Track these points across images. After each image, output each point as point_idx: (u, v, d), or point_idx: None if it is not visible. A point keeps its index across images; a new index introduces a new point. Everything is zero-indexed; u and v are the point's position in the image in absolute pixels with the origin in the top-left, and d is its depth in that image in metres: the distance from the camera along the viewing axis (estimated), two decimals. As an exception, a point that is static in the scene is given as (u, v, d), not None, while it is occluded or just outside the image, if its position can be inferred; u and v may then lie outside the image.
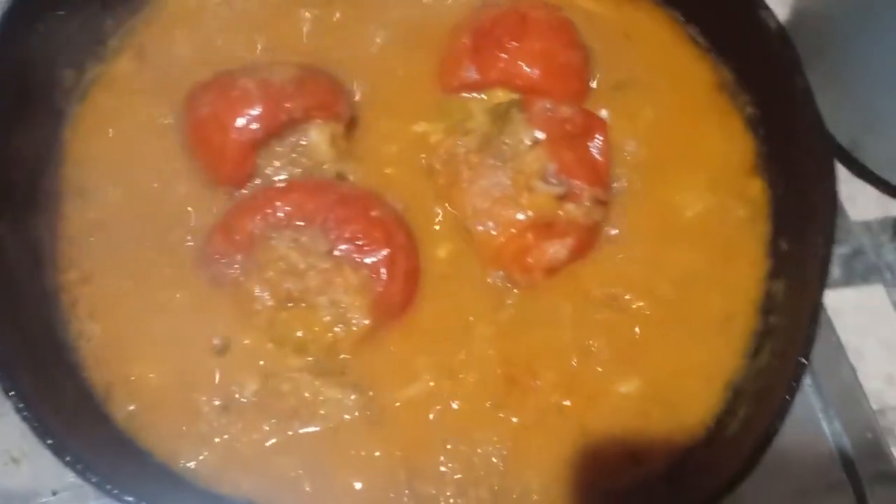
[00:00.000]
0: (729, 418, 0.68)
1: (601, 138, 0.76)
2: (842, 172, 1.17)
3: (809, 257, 0.68)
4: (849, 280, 1.09)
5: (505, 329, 0.71)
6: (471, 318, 0.72)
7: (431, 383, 0.69)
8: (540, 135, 0.74)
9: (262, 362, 0.69)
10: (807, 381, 0.83)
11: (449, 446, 0.67)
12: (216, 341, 0.70)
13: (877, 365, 1.03)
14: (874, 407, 1.00)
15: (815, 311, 0.65)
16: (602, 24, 0.86)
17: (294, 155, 0.77)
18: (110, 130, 0.79)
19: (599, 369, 0.70)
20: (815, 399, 0.83)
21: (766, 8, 0.76)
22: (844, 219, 1.14)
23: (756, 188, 0.78)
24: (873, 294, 1.06)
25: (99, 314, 0.72)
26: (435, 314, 0.72)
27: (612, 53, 0.85)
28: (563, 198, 0.73)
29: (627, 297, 0.73)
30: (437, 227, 0.76)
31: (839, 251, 1.12)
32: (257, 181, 0.76)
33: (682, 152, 0.79)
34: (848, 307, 1.04)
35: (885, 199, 1.15)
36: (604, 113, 0.81)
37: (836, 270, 1.10)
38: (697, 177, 0.78)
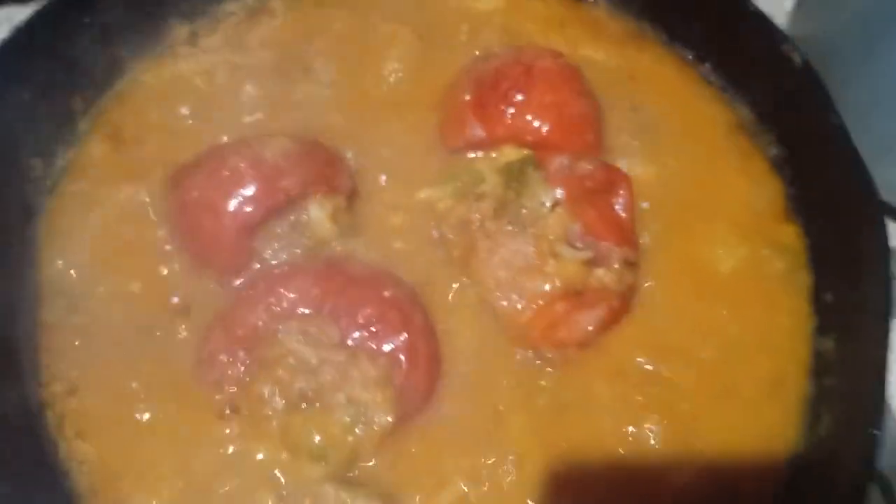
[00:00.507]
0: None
1: (625, 193, 0.71)
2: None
3: (862, 310, 0.63)
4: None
5: (541, 417, 0.65)
6: (501, 407, 0.65)
7: (465, 488, 0.62)
8: (559, 194, 0.69)
9: (277, 475, 0.62)
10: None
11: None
12: (224, 455, 0.63)
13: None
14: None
15: (880, 372, 0.59)
16: (607, 72, 0.82)
17: (294, 235, 0.71)
18: (88, 223, 0.72)
19: (650, 457, 0.63)
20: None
21: (789, 42, 0.72)
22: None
23: (790, 235, 0.73)
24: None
25: (89, 433, 0.64)
26: (461, 405, 0.66)
27: (621, 101, 0.80)
28: (591, 262, 0.67)
29: (668, 366, 0.67)
30: (456, 304, 0.70)
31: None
32: (256, 266, 0.70)
33: (707, 201, 0.75)
34: None
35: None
36: (622, 165, 0.75)
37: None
38: (726, 227, 0.73)
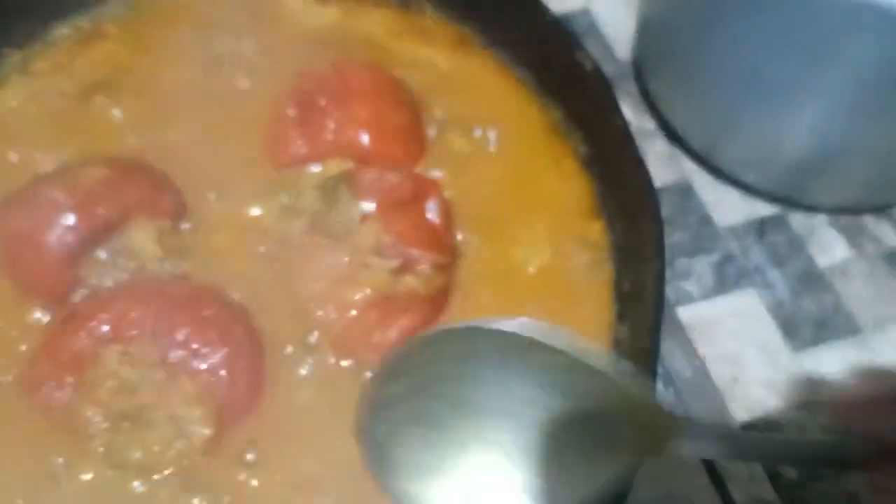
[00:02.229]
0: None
1: (435, 200, 0.75)
2: (704, 178, 1.20)
3: (645, 297, 0.68)
4: (722, 287, 1.11)
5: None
6: (324, 413, 0.69)
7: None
8: (369, 207, 0.72)
9: (104, 493, 0.65)
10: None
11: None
12: (51, 477, 0.66)
13: (756, 371, 1.05)
14: (758, 414, 1.02)
15: (652, 356, 0.64)
16: (438, 78, 0.85)
17: (119, 259, 0.73)
18: None
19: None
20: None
21: (582, 49, 0.76)
22: (711, 226, 1.16)
23: (596, 231, 0.77)
24: (746, 299, 1.08)
25: None
26: (287, 413, 0.69)
27: (446, 106, 0.83)
28: (401, 269, 0.71)
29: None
30: (282, 318, 0.73)
31: (709, 259, 1.14)
32: (82, 293, 0.72)
33: (521, 201, 0.79)
34: (724, 315, 1.06)
35: (749, 200, 1.18)
36: (439, 171, 0.79)
37: (708, 279, 1.12)
38: (537, 226, 0.77)
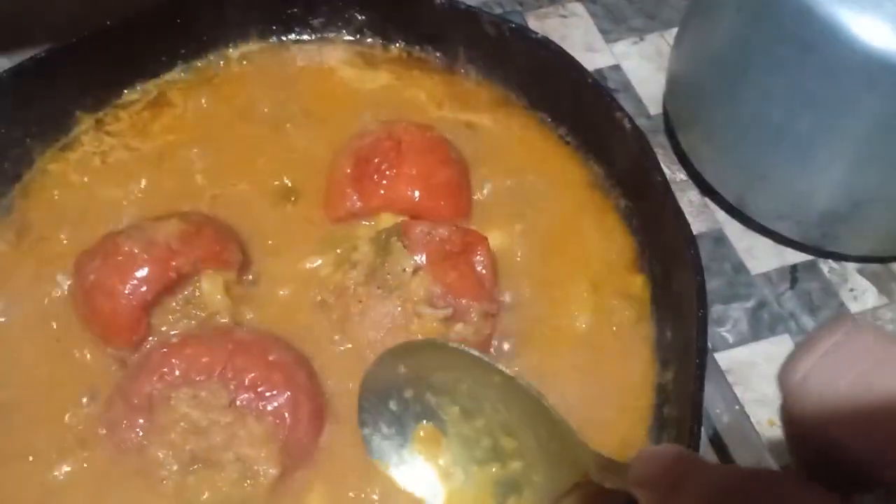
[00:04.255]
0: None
1: (482, 252, 0.79)
2: (736, 227, 1.23)
3: (687, 345, 0.71)
4: (757, 333, 1.13)
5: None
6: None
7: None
8: (420, 259, 0.77)
9: (173, 534, 0.69)
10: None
11: None
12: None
13: (793, 414, 1.06)
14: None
15: (696, 400, 0.67)
16: (481, 136, 0.90)
17: (188, 308, 0.78)
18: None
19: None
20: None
21: (621, 109, 0.80)
22: (745, 273, 1.19)
23: (638, 285, 0.81)
24: (781, 344, 1.10)
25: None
26: (346, 454, 0.72)
27: (491, 163, 0.88)
28: (452, 319, 0.75)
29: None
30: (339, 364, 0.77)
31: (744, 306, 1.16)
32: (153, 339, 0.77)
33: (566, 256, 0.82)
34: (759, 360, 1.08)
35: (781, 249, 1.20)
36: (488, 224, 0.84)
37: (743, 325, 1.15)
38: (581, 281, 0.80)
